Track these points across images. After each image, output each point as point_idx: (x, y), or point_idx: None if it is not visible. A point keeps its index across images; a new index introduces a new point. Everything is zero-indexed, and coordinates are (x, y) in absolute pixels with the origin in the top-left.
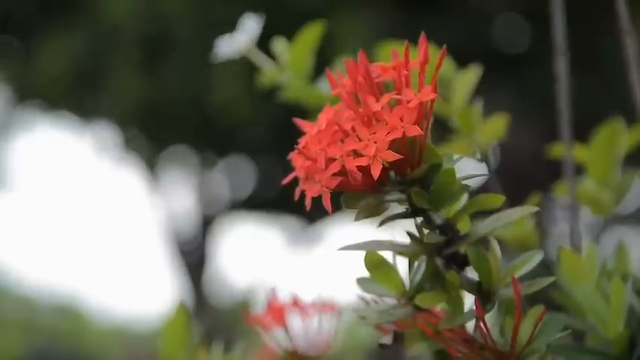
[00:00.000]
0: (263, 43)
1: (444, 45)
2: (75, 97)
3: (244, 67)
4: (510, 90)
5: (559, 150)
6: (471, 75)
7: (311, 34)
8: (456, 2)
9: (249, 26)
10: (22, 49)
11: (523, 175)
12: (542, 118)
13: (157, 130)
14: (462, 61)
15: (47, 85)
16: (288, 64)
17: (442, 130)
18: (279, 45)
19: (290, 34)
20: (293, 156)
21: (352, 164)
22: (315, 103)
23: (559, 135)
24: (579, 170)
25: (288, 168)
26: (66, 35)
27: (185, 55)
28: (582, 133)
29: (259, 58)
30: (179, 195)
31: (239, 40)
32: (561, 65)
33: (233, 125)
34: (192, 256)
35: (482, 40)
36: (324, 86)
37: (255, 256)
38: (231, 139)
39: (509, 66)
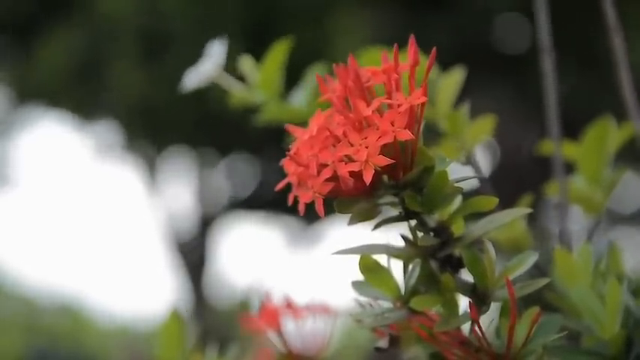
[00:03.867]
0: (262, 43)
1: (434, 47)
2: (75, 93)
3: None
4: (510, 90)
5: (548, 147)
6: (456, 77)
7: (279, 53)
8: (456, 2)
9: (215, 52)
10: (22, 48)
11: (523, 174)
12: (542, 118)
13: (156, 126)
14: (461, 61)
15: (48, 82)
16: (258, 84)
17: (428, 131)
18: (246, 64)
19: (288, 34)
20: (285, 162)
21: (344, 170)
22: (293, 119)
23: (551, 133)
24: (573, 169)
25: None
26: (65, 32)
27: (183, 49)
28: (581, 131)
29: (228, 82)
30: (179, 195)
31: (206, 68)
32: (547, 63)
33: (231, 120)
34: (192, 256)
35: (483, 40)
36: (303, 96)
37: (254, 256)
38: (230, 138)
39: (509, 66)
